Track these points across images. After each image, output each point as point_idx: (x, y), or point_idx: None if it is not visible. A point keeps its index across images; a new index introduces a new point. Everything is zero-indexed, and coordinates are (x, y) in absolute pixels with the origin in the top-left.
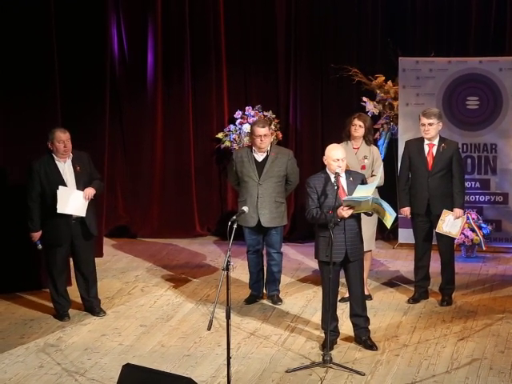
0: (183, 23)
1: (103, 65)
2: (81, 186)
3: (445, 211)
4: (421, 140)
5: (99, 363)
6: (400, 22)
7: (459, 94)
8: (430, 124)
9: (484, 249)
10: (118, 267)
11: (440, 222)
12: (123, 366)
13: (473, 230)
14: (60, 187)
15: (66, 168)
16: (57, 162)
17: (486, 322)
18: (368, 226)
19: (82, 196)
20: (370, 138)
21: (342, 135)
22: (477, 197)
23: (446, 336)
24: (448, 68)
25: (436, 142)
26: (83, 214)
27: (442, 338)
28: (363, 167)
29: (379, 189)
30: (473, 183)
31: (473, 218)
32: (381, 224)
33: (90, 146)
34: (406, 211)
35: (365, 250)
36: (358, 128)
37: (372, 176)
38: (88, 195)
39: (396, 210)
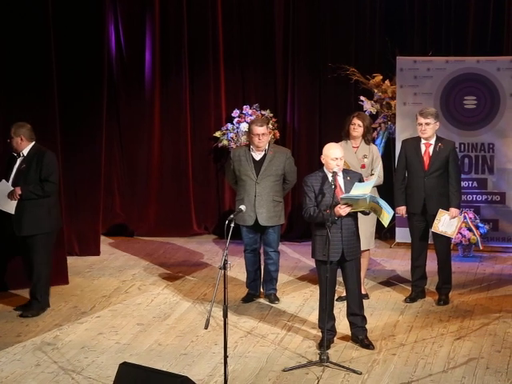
0: (181, 21)
1: (101, 63)
2: (17, 184)
3: (441, 211)
4: (417, 139)
5: (96, 362)
6: (398, 21)
7: (457, 94)
8: (427, 123)
9: (481, 248)
10: (114, 265)
11: (436, 221)
12: (120, 365)
13: (470, 230)
14: (3, 181)
15: (17, 163)
16: (16, 155)
17: (483, 322)
18: (367, 225)
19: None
20: (369, 137)
21: (340, 134)
22: (474, 196)
23: (443, 335)
24: (446, 67)
25: (433, 141)
26: (11, 211)
27: (439, 338)
28: (363, 166)
29: (378, 188)
30: (470, 183)
31: (470, 218)
32: (378, 223)
33: (87, 144)
34: (402, 210)
35: (363, 248)
36: (357, 127)
37: (371, 175)
38: (13, 194)
39: (393, 208)
